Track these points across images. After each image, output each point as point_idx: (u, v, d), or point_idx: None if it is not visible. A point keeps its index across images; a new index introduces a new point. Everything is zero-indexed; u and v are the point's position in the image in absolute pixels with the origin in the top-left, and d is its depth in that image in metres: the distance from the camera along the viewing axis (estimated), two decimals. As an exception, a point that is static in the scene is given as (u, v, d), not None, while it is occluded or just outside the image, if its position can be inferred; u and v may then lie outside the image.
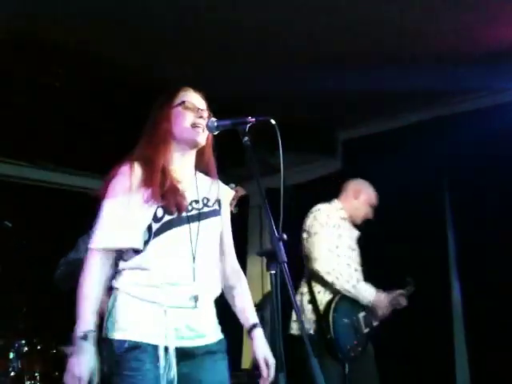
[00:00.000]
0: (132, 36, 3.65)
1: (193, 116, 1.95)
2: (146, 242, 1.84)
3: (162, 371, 1.77)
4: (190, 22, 3.55)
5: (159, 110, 1.99)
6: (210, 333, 1.91)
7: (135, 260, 1.85)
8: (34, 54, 3.68)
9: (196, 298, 1.84)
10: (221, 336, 1.95)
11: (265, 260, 1.70)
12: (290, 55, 3.95)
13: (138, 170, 1.89)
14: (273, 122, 1.82)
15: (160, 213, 1.85)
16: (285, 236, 1.66)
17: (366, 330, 3.31)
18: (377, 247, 4.77)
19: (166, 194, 1.87)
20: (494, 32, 3.67)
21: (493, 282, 4.17)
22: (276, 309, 1.75)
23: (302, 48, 3.87)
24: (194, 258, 1.86)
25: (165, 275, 1.83)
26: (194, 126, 1.94)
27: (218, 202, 2.02)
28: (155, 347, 1.78)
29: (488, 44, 3.80)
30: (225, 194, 2.08)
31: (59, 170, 5.16)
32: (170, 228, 1.85)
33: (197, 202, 1.94)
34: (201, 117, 1.95)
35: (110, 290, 1.91)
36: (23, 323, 3.76)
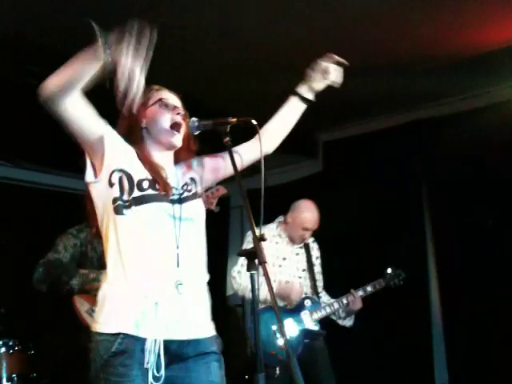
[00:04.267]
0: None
1: (170, 114, 1.95)
2: (125, 207, 1.80)
3: (148, 365, 1.72)
4: (174, 23, 3.54)
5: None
6: (200, 325, 1.87)
7: (119, 231, 1.80)
8: (18, 54, 3.62)
9: (180, 285, 1.80)
10: (213, 332, 1.91)
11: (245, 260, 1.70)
12: (272, 57, 3.96)
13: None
14: (254, 122, 1.83)
15: (145, 184, 1.84)
16: (265, 236, 1.67)
17: (294, 334, 3.37)
18: (354, 248, 4.82)
19: (153, 171, 1.87)
20: (473, 35, 3.71)
21: (471, 285, 4.23)
22: (255, 309, 1.76)
23: (284, 50, 3.87)
24: (177, 243, 1.83)
25: (147, 257, 1.79)
26: (172, 125, 1.94)
27: (193, 180, 2.01)
28: (142, 349, 1.73)
29: (468, 47, 3.84)
30: (193, 163, 2.06)
31: (38, 170, 5.11)
32: (151, 201, 1.82)
33: (177, 189, 1.93)
34: (178, 114, 1.96)
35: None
36: (0, 324, 3.71)
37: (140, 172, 1.86)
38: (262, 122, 1.85)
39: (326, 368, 3.43)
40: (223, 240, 5.99)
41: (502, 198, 4.17)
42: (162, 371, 1.75)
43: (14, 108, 4.06)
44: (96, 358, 1.75)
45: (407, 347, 4.46)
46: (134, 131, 1.95)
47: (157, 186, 1.85)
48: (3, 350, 3.41)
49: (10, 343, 3.45)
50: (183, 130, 1.97)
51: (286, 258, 3.59)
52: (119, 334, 1.74)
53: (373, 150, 4.86)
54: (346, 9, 3.36)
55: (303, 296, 3.54)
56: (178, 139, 1.96)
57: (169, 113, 1.96)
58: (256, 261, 1.65)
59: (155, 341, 1.75)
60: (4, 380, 3.36)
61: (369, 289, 3.60)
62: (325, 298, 3.67)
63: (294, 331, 3.39)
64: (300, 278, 3.59)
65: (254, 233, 1.66)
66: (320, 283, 3.71)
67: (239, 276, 3.45)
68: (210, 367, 1.85)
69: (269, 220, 3.55)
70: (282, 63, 3.98)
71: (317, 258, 3.72)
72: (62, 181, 5.13)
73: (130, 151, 1.91)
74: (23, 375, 3.43)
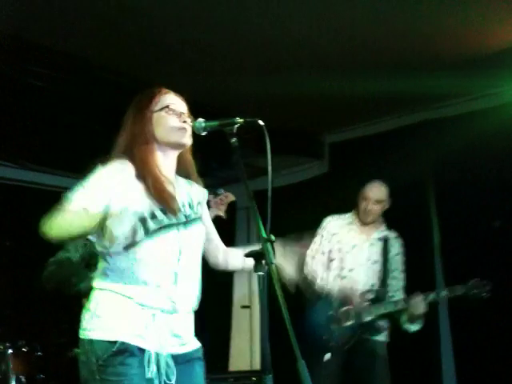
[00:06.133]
0: (120, 38, 3.62)
1: (177, 120, 1.93)
2: (137, 240, 1.79)
3: (154, 378, 1.73)
4: (175, 23, 3.55)
5: (140, 112, 1.94)
6: (191, 339, 1.92)
7: (124, 258, 1.80)
8: (17, 53, 3.64)
9: (175, 302, 1.83)
10: (199, 344, 1.96)
11: (252, 261, 1.70)
12: (278, 58, 3.96)
13: (130, 166, 1.88)
14: (261, 123, 1.81)
15: (158, 213, 1.83)
16: (272, 237, 1.66)
17: (348, 323, 3.37)
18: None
19: (162, 195, 1.85)
20: (477, 36, 3.70)
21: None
22: (264, 311, 1.75)
23: (290, 51, 3.88)
24: (178, 262, 1.85)
25: (150, 277, 1.80)
26: (179, 129, 1.93)
27: (200, 204, 2.04)
28: (143, 351, 1.74)
29: (473, 48, 3.83)
30: (203, 195, 2.10)
31: (43, 171, 5.12)
32: (166, 230, 1.83)
33: (183, 206, 1.94)
34: (184, 121, 1.94)
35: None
36: (8, 325, 3.72)
37: (147, 201, 1.83)
38: (266, 123, 1.84)
39: (383, 378, 3.34)
40: (229, 242, 5.96)
41: (510, 200, 4.14)
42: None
43: (14, 108, 4.08)
44: (93, 359, 1.73)
45: (414, 352, 4.42)
46: (138, 138, 1.92)
47: (167, 212, 1.85)
48: (11, 351, 3.42)
49: (18, 344, 3.45)
50: (190, 130, 1.95)
51: (357, 246, 3.55)
52: (117, 341, 1.74)
53: (379, 151, 4.84)
54: (348, 9, 3.36)
55: (367, 288, 3.45)
56: (187, 138, 1.94)
57: (175, 118, 1.94)
58: (263, 262, 1.64)
59: (157, 354, 1.77)
60: (12, 381, 3.37)
61: (443, 293, 3.35)
62: (397, 297, 3.48)
63: (348, 322, 3.35)
64: (368, 268, 3.49)
65: (261, 234, 1.65)
66: (399, 282, 3.53)
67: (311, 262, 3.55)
68: (195, 370, 1.89)
69: (273, 222, 3.52)
70: (283, 64, 3.99)
71: (397, 254, 3.57)
72: (63, 181, 5.14)
73: (129, 182, 1.86)
74: (30, 376, 3.44)
